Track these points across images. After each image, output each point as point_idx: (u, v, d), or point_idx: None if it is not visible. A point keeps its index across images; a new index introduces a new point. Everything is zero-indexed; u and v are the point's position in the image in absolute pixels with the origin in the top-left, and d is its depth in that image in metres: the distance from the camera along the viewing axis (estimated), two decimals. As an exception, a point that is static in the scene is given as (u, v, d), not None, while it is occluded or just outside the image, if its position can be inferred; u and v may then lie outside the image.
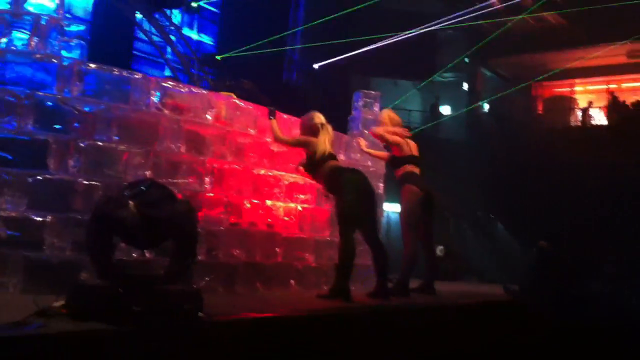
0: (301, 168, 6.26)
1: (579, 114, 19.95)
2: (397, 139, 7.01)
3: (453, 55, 20.59)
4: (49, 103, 5.26)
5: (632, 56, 18.70)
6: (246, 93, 8.92)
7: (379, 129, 7.19)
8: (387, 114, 7.43)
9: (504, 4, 18.34)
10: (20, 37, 5.43)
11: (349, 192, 5.75)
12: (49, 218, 4.99)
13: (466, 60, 21.07)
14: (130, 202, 3.43)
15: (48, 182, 5.09)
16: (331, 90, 15.68)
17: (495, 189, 16.01)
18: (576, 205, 13.86)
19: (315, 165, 5.98)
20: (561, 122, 19.25)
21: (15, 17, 5.54)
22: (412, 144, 7.14)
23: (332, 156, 6.01)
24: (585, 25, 16.01)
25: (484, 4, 18.00)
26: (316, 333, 4.36)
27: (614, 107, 18.34)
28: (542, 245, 7.54)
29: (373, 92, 8.65)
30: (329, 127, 6.08)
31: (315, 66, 16.65)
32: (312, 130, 6.02)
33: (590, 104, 19.40)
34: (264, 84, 14.24)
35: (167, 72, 15.53)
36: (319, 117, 6.06)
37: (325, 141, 5.94)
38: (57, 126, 5.23)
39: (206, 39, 18.20)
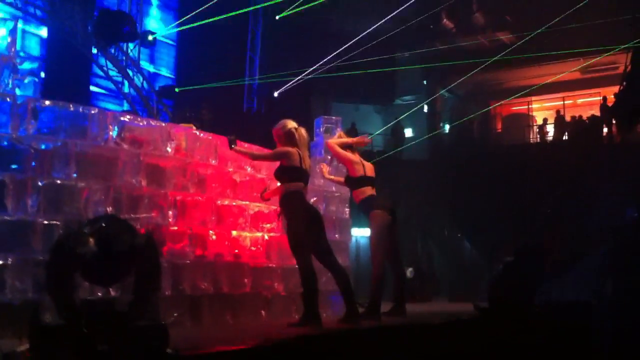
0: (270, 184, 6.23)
1: (536, 130, 20.35)
2: (349, 156, 6.91)
3: (411, 78, 20.92)
4: (4, 142, 5.16)
5: (586, 72, 19.19)
6: (206, 123, 8.89)
7: (332, 139, 7.14)
8: (340, 132, 7.53)
9: (457, 26, 18.76)
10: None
11: (294, 217, 5.68)
12: (9, 260, 4.87)
13: (424, 82, 21.44)
14: (90, 239, 3.35)
15: (6, 223, 4.98)
16: (292, 116, 15.70)
17: (460, 207, 16.16)
18: (537, 218, 14.07)
19: (283, 176, 5.89)
20: (520, 138, 19.59)
21: (-33, 56, 5.45)
22: (368, 165, 7.07)
23: (299, 175, 5.84)
24: (537, 43, 16.35)
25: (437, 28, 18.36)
26: (288, 362, 4.30)
27: (562, 122, 18.82)
28: (507, 260, 7.58)
29: (334, 118, 8.67)
30: (303, 130, 5.97)
31: (276, 94, 16.71)
32: (289, 137, 5.91)
33: (545, 120, 19.82)
34: (224, 114, 14.24)
35: (126, 106, 15.41)
36: (291, 123, 5.97)
37: (296, 153, 5.78)
38: (13, 166, 5.13)
39: (164, 71, 18.13)
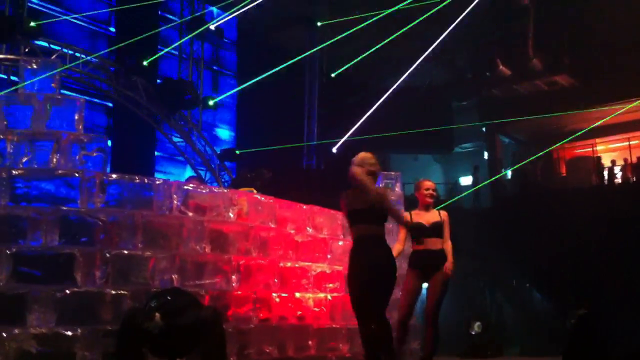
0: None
1: (605, 173, 19.78)
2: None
3: (468, 125, 20.79)
4: (74, 217, 5.36)
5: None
6: (266, 182, 9.00)
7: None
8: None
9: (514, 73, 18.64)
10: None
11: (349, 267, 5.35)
12: (78, 331, 4.99)
13: (483, 129, 21.26)
14: (157, 314, 3.43)
15: (76, 295, 5.12)
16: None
17: (528, 255, 15.75)
18: (612, 267, 13.56)
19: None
20: (586, 182, 19.08)
21: (36, 135, 5.72)
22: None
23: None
24: (598, 84, 16.11)
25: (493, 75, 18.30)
26: None
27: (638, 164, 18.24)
28: (580, 313, 7.33)
29: (393, 173, 8.67)
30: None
31: (334, 149, 16.83)
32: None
33: (613, 162, 19.28)
34: (285, 172, 14.42)
35: (189, 170, 15.84)
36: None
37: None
38: (82, 239, 5.30)
39: (224, 129, 18.60)
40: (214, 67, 18.46)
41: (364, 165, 5.53)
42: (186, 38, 15.31)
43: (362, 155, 5.67)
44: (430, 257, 6.35)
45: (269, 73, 13.10)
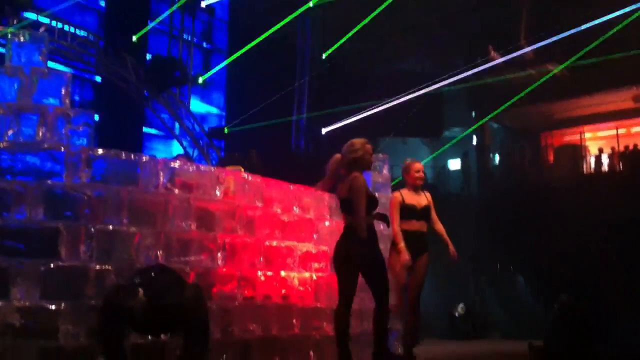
0: None
1: (592, 161, 19.88)
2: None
3: (459, 110, 20.83)
4: (59, 191, 5.32)
5: (639, 100, 18.78)
6: (254, 163, 9.00)
7: None
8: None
9: (505, 58, 18.63)
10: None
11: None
12: (62, 305, 4.98)
13: (473, 114, 21.30)
14: (140, 290, 3.42)
15: (60, 270, 5.09)
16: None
17: (513, 241, 15.85)
18: (596, 254, 13.68)
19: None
20: (573, 170, 19.19)
21: (22, 109, 5.67)
22: None
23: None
24: (587, 73, 16.15)
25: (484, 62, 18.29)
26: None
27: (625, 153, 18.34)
28: (562, 299, 7.39)
29: (381, 155, 8.63)
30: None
31: (324, 131, 16.81)
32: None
33: (600, 150, 19.39)
34: (273, 153, 14.41)
35: (177, 147, 15.79)
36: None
37: None
38: (67, 213, 5.27)
39: (213, 110, 18.50)
40: (205, 46, 18.33)
41: (346, 154, 5.60)
42: (172, 9, 15.11)
43: (350, 142, 5.71)
44: (418, 240, 6.41)
45: (258, 51, 12.98)
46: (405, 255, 6.18)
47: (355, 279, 5.47)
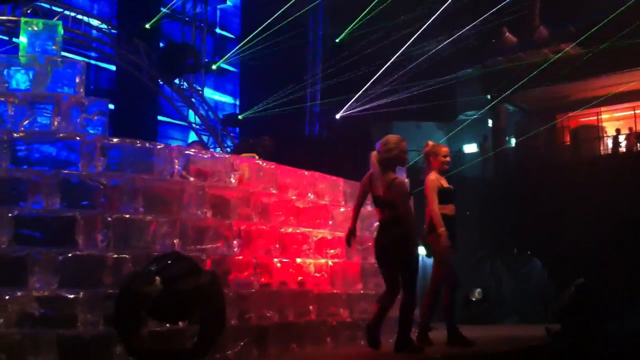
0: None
1: (609, 142, 19.69)
2: None
3: (473, 93, 20.65)
4: (75, 180, 5.35)
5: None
6: (268, 150, 8.99)
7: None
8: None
9: (520, 41, 18.44)
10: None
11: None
12: (80, 294, 5.02)
13: (488, 96, 21.12)
14: (156, 278, 3.44)
15: (78, 259, 5.13)
16: (354, 139, 15.74)
17: (530, 224, 15.76)
18: (613, 237, 13.56)
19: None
20: (591, 151, 19.02)
21: (37, 98, 5.69)
22: None
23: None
24: (604, 54, 15.93)
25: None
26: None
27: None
28: (579, 283, 7.35)
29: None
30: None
31: (337, 116, 16.76)
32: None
33: (618, 131, 19.19)
34: (287, 139, 14.39)
35: (192, 135, 15.82)
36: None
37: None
38: (83, 202, 5.30)
39: (228, 98, 18.50)
40: (218, 32, 18.31)
41: (381, 152, 5.60)
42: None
43: (384, 140, 5.70)
44: (454, 225, 6.32)
45: (271, 38, 12.94)
46: (446, 240, 6.12)
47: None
